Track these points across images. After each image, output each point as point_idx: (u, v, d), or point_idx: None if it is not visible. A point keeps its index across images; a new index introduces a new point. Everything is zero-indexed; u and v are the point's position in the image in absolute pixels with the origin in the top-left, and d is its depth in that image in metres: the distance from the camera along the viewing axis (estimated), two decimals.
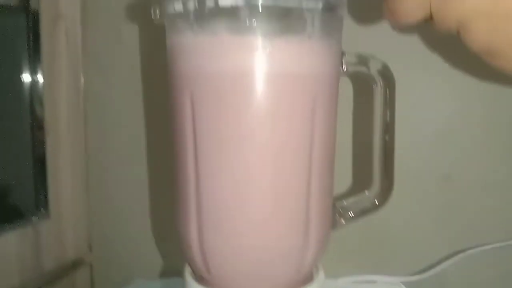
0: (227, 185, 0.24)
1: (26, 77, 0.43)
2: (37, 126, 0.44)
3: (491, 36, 0.20)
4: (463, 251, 0.35)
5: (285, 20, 0.23)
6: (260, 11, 0.23)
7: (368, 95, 0.28)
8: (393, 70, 0.27)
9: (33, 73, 0.43)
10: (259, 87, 0.24)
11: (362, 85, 0.36)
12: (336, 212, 0.28)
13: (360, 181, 0.37)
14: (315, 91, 0.25)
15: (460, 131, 0.36)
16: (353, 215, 0.28)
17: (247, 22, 0.23)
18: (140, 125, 0.45)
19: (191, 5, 0.23)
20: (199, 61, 0.24)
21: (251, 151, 0.24)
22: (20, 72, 0.43)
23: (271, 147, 0.24)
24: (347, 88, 0.37)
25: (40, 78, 0.43)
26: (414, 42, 0.36)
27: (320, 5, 0.23)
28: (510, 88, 0.34)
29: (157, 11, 0.25)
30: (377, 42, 0.34)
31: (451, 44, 0.34)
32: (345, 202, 0.28)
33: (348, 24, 0.35)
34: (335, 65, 0.26)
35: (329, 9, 0.24)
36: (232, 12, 0.23)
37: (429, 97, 0.37)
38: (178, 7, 0.24)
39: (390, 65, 0.27)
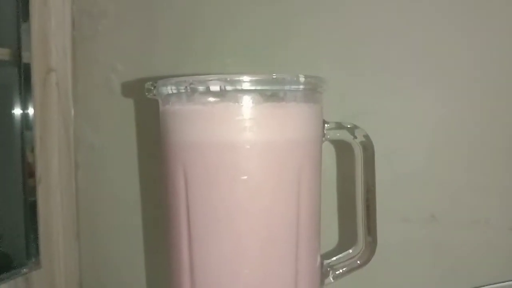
0: (219, 255, 0.26)
1: (18, 126, 0.44)
2: (28, 174, 0.44)
3: None
4: None
5: (269, 96, 0.26)
6: (247, 94, 0.25)
7: (349, 157, 0.30)
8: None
9: (25, 122, 0.44)
10: (246, 156, 0.25)
11: (343, 147, 0.37)
12: (324, 271, 0.29)
13: (347, 237, 0.39)
14: (300, 157, 0.27)
15: (442, 170, 0.38)
16: (340, 272, 0.30)
17: (234, 100, 0.25)
18: (130, 173, 0.46)
19: (184, 89, 0.25)
20: (189, 130, 0.26)
21: (241, 220, 0.26)
22: (12, 121, 0.44)
23: (260, 215, 0.26)
24: (330, 151, 0.39)
25: (31, 127, 0.44)
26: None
27: (301, 87, 0.26)
28: (491, 130, 0.36)
29: (151, 89, 0.27)
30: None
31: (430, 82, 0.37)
32: (334, 258, 0.30)
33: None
34: (318, 132, 0.28)
35: (310, 89, 0.26)
36: (220, 94, 0.25)
37: (408, 139, 0.38)
38: (172, 89, 0.26)
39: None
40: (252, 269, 0.26)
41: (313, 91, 0.27)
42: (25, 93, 0.44)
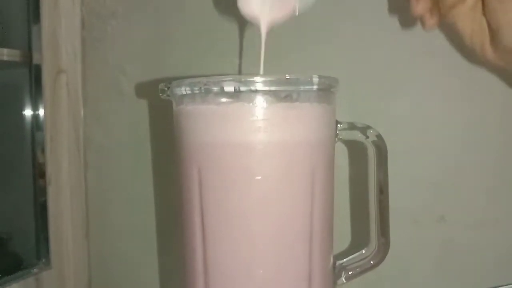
0: (233, 254, 0.26)
1: (28, 127, 0.45)
2: (39, 175, 0.45)
3: None
4: None
5: (283, 96, 0.26)
6: (261, 95, 0.25)
7: (362, 158, 0.30)
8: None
9: (35, 123, 0.44)
10: (259, 157, 0.25)
11: (356, 148, 0.38)
12: (337, 271, 0.29)
13: (359, 238, 0.39)
14: (314, 157, 0.27)
15: (452, 173, 0.38)
16: (353, 273, 0.30)
17: (248, 101, 0.25)
18: (139, 173, 0.46)
19: (198, 89, 0.25)
20: (203, 130, 0.26)
21: (255, 220, 0.26)
22: (23, 122, 0.45)
23: (273, 215, 0.26)
24: (343, 151, 0.39)
25: (42, 128, 0.44)
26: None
27: (315, 88, 0.26)
28: (500, 131, 0.36)
29: (165, 90, 0.27)
30: None
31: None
32: (345, 260, 0.30)
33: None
34: (331, 132, 0.28)
35: (323, 90, 0.26)
36: (234, 94, 0.25)
37: (422, 145, 0.38)
38: (186, 90, 0.26)
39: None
40: (265, 269, 0.26)
41: (326, 92, 0.27)
42: (36, 94, 0.44)
